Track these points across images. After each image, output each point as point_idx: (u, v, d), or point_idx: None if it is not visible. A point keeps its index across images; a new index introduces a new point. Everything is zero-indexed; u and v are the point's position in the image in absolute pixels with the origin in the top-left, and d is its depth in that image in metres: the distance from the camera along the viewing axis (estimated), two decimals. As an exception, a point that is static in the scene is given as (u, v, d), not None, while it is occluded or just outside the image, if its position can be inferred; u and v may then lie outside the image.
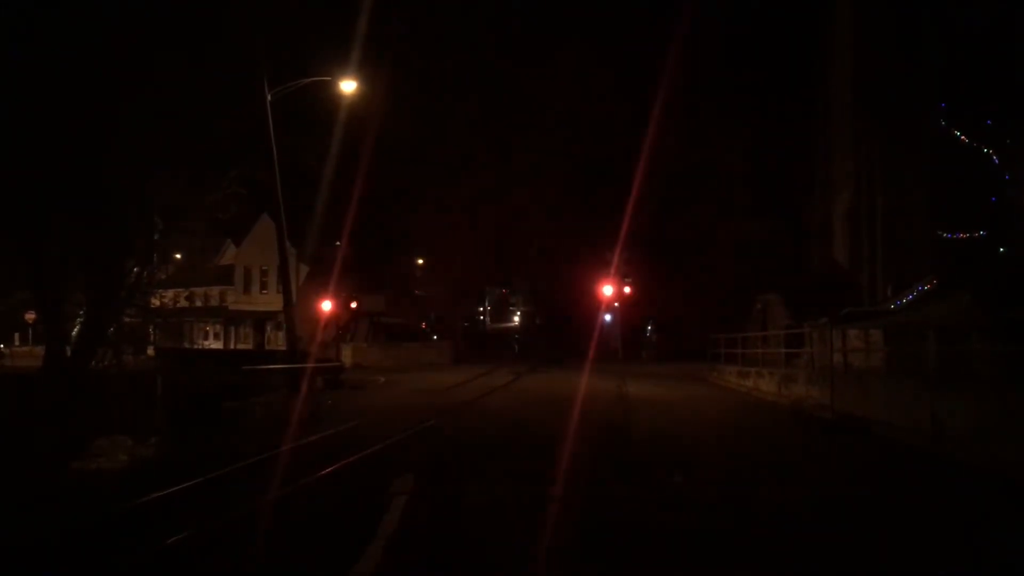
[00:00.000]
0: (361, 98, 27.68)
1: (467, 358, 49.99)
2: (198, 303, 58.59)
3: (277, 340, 53.50)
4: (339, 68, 24.94)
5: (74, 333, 21.24)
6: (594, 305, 45.20)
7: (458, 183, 56.13)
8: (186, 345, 56.06)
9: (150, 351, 30.18)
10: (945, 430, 11.47)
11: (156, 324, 26.67)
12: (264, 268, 57.59)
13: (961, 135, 34.27)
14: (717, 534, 7.18)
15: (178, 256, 38.84)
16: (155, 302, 24.59)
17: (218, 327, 62.34)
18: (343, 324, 44.07)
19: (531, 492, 8.65)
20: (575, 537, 7.03)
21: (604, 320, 52.58)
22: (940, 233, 33.86)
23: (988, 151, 34.12)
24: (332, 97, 26.00)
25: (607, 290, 42.97)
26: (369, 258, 57.97)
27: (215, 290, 61.29)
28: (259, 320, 58.32)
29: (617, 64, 49.45)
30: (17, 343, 47.18)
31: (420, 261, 75.89)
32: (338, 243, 49.94)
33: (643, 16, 49.61)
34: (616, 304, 48.67)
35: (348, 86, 24.68)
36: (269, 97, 23.26)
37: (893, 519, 7.82)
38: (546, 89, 53.20)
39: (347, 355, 42.08)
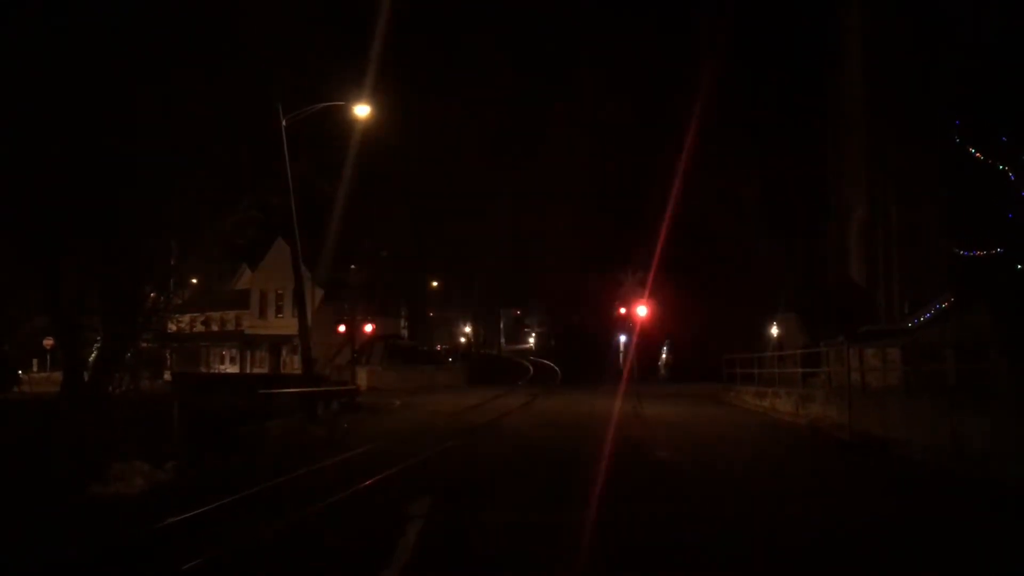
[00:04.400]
0: (376, 121, 27.86)
1: (482, 380, 49.91)
2: (214, 327, 58.84)
3: (293, 364, 53.57)
4: (354, 92, 25.10)
5: (91, 358, 21.37)
6: (609, 326, 45.13)
7: (474, 206, 56.47)
8: (202, 369, 56.22)
9: (167, 375, 30.34)
10: (965, 449, 11.34)
11: (173, 349, 26.86)
12: (280, 292, 57.79)
13: (976, 152, 34.09)
14: (738, 559, 7.14)
15: (194, 281, 39.09)
16: (172, 327, 24.75)
17: (234, 351, 62.51)
18: (358, 347, 44.11)
19: (547, 518, 8.60)
20: (592, 565, 6.97)
21: (619, 341, 52.45)
22: (956, 250, 33.60)
23: (1004, 167, 33.91)
24: (347, 121, 26.18)
25: (622, 311, 42.86)
26: (384, 281, 58.11)
27: (231, 314, 61.50)
28: (275, 344, 58.46)
29: (634, 89, 49.74)
30: (35, 369, 47.41)
31: (435, 284, 76.03)
32: (353, 266, 50.16)
33: (659, 42, 49.85)
34: (631, 325, 48.53)
35: (362, 111, 24.82)
36: (284, 122, 23.44)
37: (914, 541, 7.72)
38: (563, 115, 53.55)
39: (362, 378, 42.07)
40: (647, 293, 48.94)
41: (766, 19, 44.14)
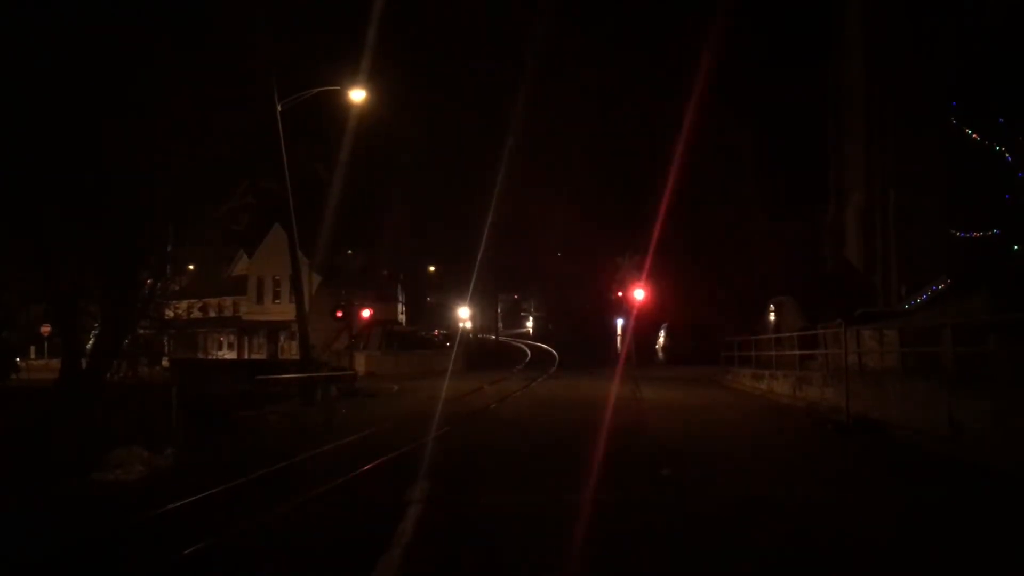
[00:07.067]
0: (373, 106, 27.73)
1: (480, 365, 49.96)
2: (212, 313, 58.92)
3: (291, 350, 53.61)
4: (352, 77, 24.96)
5: (89, 345, 21.37)
6: (607, 310, 45.17)
7: (471, 189, 56.39)
8: (200, 356, 56.22)
9: (165, 362, 30.33)
10: (963, 432, 11.37)
11: (170, 335, 26.82)
12: (277, 278, 57.78)
13: (973, 134, 34.05)
14: (733, 548, 7.16)
15: (191, 267, 39.06)
16: (169, 313, 24.75)
17: (232, 337, 62.54)
18: (356, 332, 44.10)
19: (546, 501, 8.63)
20: (590, 547, 6.99)
21: (617, 324, 52.51)
22: (954, 232, 33.63)
23: (1001, 149, 33.88)
24: (344, 105, 26.06)
25: (620, 295, 42.85)
26: (382, 266, 58.04)
27: (228, 300, 61.53)
28: (273, 330, 58.50)
29: (629, 69, 49.60)
30: (33, 356, 47.40)
31: (432, 269, 75.97)
32: (350, 252, 50.11)
33: (653, 20, 49.68)
34: (629, 309, 48.55)
35: (357, 95, 24.69)
36: (279, 107, 23.33)
37: (915, 527, 7.75)
38: (562, 98, 53.39)
39: (360, 363, 42.11)
40: (645, 276, 49.00)
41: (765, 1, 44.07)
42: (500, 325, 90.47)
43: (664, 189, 40.06)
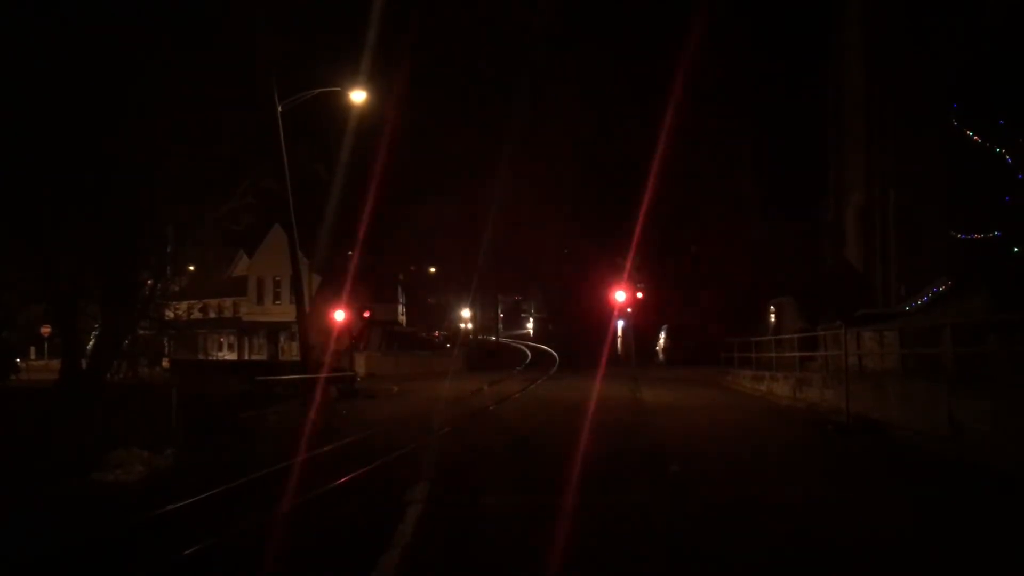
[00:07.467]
0: (372, 107, 27.75)
1: (480, 366, 49.97)
2: (212, 314, 58.94)
3: (291, 350, 53.61)
4: (351, 77, 24.98)
5: (89, 346, 21.39)
6: (607, 311, 45.07)
7: (471, 190, 56.37)
8: (200, 356, 56.26)
9: (165, 363, 30.39)
10: (963, 432, 11.35)
11: (170, 336, 26.86)
12: (277, 278, 57.76)
13: (974, 135, 34.05)
14: (733, 548, 7.15)
15: (191, 268, 39.10)
16: (169, 314, 24.79)
17: (232, 338, 62.54)
18: (356, 333, 44.05)
19: (545, 502, 8.61)
20: (591, 546, 6.99)
21: (617, 326, 52.48)
22: (954, 233, 33.63)
23: (1001, 151, 33.89)
24: (343, 106, 26.08)
25: (620, 296, 42.79)
26: (382, 267, 58.01)
27: (228, 301, 61.54)
28: (273, 330, 58.50)
29: (628, 68, 49.58)
30: (33, 357, 47.39)
31: (432, 270, 75.98)
32: (351, 252, 50.02)
33: (654, 20, 49.64)
34: (629, 310, 48.53)
35: (358, 96, 24.72)
36: (280, 108, 23.34)
37: (911, 526, 7.74)
38: (557, 95, 53.34)
39: (361, 364, 42.09)
40: (644, 278, 49.00)
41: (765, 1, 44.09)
42: (500, 326, 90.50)
43: (664, 190, 40.09)
